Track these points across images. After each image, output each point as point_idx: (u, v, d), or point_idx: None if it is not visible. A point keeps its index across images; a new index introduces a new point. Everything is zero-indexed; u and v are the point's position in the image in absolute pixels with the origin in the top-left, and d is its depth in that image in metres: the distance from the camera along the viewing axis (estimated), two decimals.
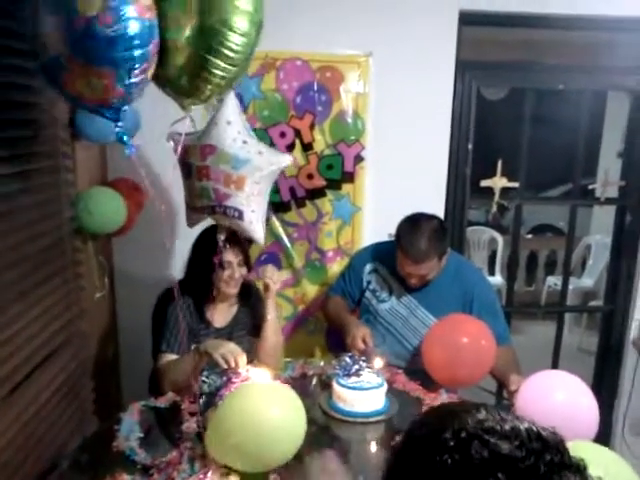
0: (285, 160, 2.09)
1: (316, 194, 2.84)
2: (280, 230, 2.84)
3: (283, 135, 2.75)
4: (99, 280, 2.61)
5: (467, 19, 2.75)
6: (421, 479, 0.70)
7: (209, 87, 1.52)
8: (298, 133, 2.76)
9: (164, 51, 1.45)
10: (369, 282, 2.47)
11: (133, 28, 1.30)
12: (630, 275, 3.14)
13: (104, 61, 1.32)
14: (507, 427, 0.70)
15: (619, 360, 3.22)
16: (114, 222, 2.36)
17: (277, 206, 2.82)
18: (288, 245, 2.87)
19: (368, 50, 2.70)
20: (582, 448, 1.37)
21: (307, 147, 2.77)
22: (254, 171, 1.99)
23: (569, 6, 2.73)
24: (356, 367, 2.03)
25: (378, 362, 2.10)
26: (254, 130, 2.62)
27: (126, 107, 1.48)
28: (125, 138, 1.53)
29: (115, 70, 1.34)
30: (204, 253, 2.18)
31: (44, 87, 1.96)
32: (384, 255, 2.44)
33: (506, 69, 2.99)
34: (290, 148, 2.75)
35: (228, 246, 2.16)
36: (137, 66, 1.36)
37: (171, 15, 1.42)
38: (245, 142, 2.00)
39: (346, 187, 2.83)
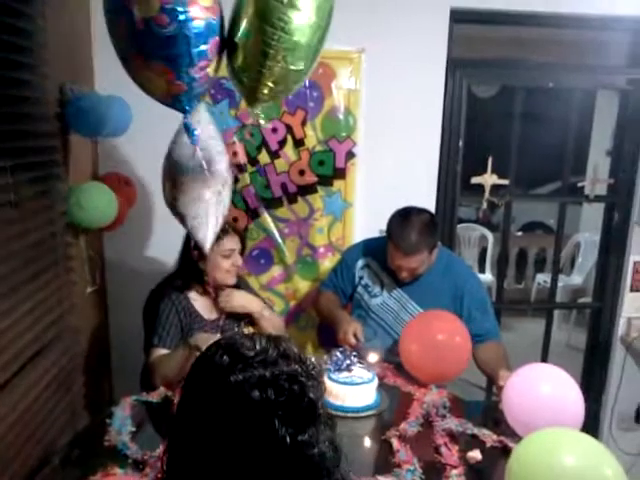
0: (220, 175, 1.98)
1: (307, 190, 2.84)
2: (271, 226, 2.85)
3: (275, 131, 2.75)
4: (90, 275, 2.60)
5: (458, 17, 2.76)
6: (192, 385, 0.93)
7: (267, 85, 1.59)
8: (290, 129, 2.76)
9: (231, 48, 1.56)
10: (361, 277, 2.48)
11: (189, 28, 1.40)
12: (618, 272, 3.17)
13: (161, 58, 1.45)
14: (247, 342, 0.93)
15: (607, 356, 3.25)
16: (105, 216, 2.35)
17: (268, 202, 2.82)
18: (279, 241, 2.87)
19: (360, 47, 2.70)
20: (566, 435, 1.40)
21: (299, 143, 2.78)
22: (194, 178, 1.93)
23: (559, 4, 2.75)
24: (347, 362, 2.05)
25: (373, 357, 2.12)
26: (244, 126, 2.66)
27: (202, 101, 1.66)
28: (191, 128, 1.66)
29: (172, 67, 1.45)
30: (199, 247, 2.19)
31: (34, 81, 1.98)
32: (376, 251, 2.45)
33: (496, 67, 3.01)
34: (282, 144, 2.76)
35: (225, 235, 2.18)
36: (195, 63, 1.46)
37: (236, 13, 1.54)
38: (193, 155, 1.94)
39: (337, 183, 2.84)
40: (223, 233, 2.15)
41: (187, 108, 1.61)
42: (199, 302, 2.28)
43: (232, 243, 2.23)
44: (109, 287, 2.87)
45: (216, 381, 0.89)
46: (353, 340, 2.23)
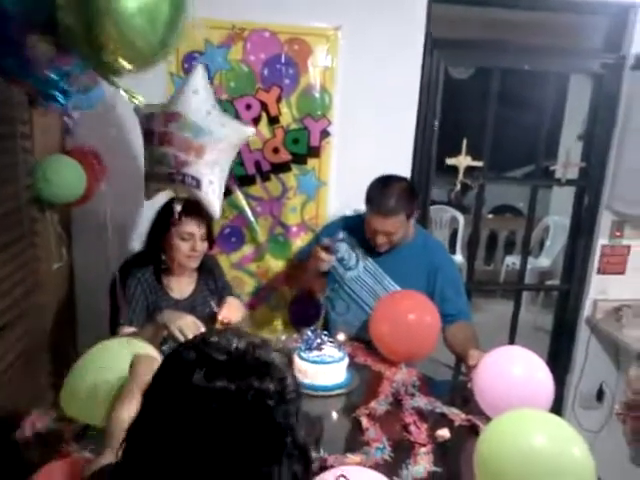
0: (247, 132, 2.06)
1: (281, 168, 2.81)
2: (244, 204, 2.81)
3: (249, 107, 2.71)
4: (57, 251, 2.54)
5: None
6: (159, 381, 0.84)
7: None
8: (264, 106, 2.72)
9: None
10: (337, 251, 2.45)
11: None
12: (586, 255, 3.22)
13: None
14: (223, 341, 0.83)
15: (572, 337, 3.32)
16: (73, 192, 2.29)
17: (242, 179, 2.79)
18: (252, 219, 2.84)
19: (337, 23, 2.66)
20: (534, 415, 1.42)
21: (273, 120, 2.74)
22: (215, 141, 1.96)
23: None
24: (318, 341, 2.05)
25: (341, 336, 2.12)
26: (220, 101, 2.59)
27: None
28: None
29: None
30: (164, 224, 2.15)
31: None
32: (352, 226, 2.47)
33: (474, 48, 3.00)
34: (256, 121, 2.71)
35: (187, 217, 2.12)
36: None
37: None
38: (209, 112, 1.98)
39: (312, 162, 2.82)
40: (185, 214, 2.10)
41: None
42: (167, 281, 2.24)
43: (192, 227, 2.13)
44: (76, 264, 2.82)
45: (178, 378, 0.79)
46: (323, 251, 2.29)
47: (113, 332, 2.14)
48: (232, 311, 2.15)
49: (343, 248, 2.46)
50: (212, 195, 2.05)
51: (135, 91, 1.67)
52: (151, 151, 2.07)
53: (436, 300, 2.28)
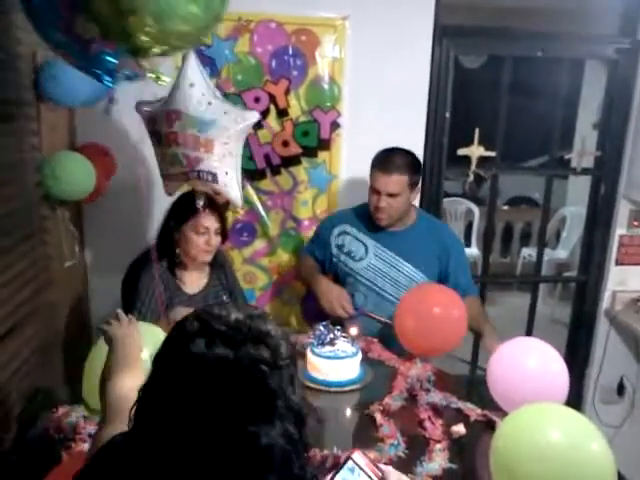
0: (251, 116, 2.03)
1: (291, 162, 2.78)
2: (255, 198, 2.79)
3: (257, 100, 2.68)
4: (69, 248, 2.54)
5: None
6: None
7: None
8: (273, 98, 2.69)
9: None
10: (341, 245, 2.44)
11: None
12: (604, 246, 3.16)
13: None
14: (223, 312, 0.89)
15: (591, 330, 3.26)
16: (83, 188, 2.28)
17: (252, 174, 2.76)
18: (263, 214, 2.82)
19: (344, 13, 2.63)
20: (551, 410, 1.38)
21: (282, 113, 2.71)
22: (222, 132, 1.94)
23: None
24: (330, 336, 2.02)
25: (353, 330, 2.09)
26: (227, 95, 2.57)
27: None
28: None
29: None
30: (179, 218, 2.15)
31: (6, 46, 1.90)
32: (351, 217, 2.47)
33: (484, 35, 2.94)
34: (265, 114, 2.68)
35: (207, 212, 2.14)
36: None
37: None
38: (210, 103, 1.94)
39: (322, 155, 2.79)
40: (201, 208, 2.11)
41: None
42: (180, 276, 2.25)
43: (208, 221, 2.16)
44: (89, 261, 2.82)
45: (179, 346, 0.87)
46: (343, 312, 2.24)
47: None
48: None
49: (347, 240, 2.44)
50: (230, 185, 2.04)
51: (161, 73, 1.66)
52: (161, 152, 2.06)
53: (450, 278, 2.35)
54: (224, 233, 2.26)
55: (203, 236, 2.17)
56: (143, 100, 2.01)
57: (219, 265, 2.35)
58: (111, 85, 1.50)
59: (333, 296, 2.30)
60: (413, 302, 2.13)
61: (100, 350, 1.57)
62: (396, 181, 2.25)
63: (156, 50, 1.42)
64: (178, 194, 2.21)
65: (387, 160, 2.27)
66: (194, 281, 2.28)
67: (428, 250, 2.38)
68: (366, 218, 2.40)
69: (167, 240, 2.20)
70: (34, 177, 2.10)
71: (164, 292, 2.17)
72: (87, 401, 1.60)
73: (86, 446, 1.49)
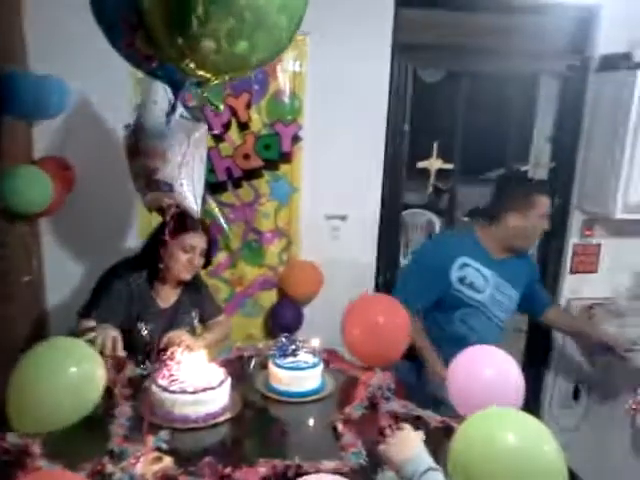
0: (198, 127, 2.06)
1: (253, 174, 2.80)
2: (216, 211, 2.80)
3: (218, 114, 2.69)
4: (27, 263, 2.50)
5: (403, 1, 2.75)
6: None
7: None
8: (234, 112, 2.71)
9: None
10: (463, 278, 2.39)
11: None
12: (558, 255, 3.25)
13: None
14: None
15: (548, 337, 3.34)
16: (40, 202, 2.26)
17: (213, 186, 2.77)
18: (225, 226, 2.83)
19: (305, 29, 2.64)
20: (506, 414, 1.42)
21: (243, 126, 2.73)
22: (175, 143, 1.97)
23: None
24: (292, 347, 2.03)
25: (315, 341, 2.11)
26: (188, 108, 2.57)
27: None
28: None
29: None
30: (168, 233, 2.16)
31: None
32: (467, 247, 2.44)
33: (441, 51, 3.02)
34: (226, 127, 2.70)
35: (192, 231, 2.19)
36: None
37: None
38: (167, 116, 1.97)
39: (283, 167, 2.81)
40: (191, 228, 2.17)
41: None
42: (157, 288, 2.27)
43: (195, 240, 2.21)
44: (48, 275, 2.77)
45: None
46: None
47: (80, 316, 2.16)
48: (194, 343, 2.10)
49: (469, 272, 2.39)
50: (186, 196, 2.06)
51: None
52: (131, 167, 2.08)
53: (530, 293, 2.58)
54: (208, 257, 2.31)
55: (188, 254, 2.20)
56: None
57: (195, 288, 2.37)
58: (174, 93, 1.50)
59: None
60: (358, 312, 2.17)
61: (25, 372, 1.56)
62: (548, 202, 2.41)
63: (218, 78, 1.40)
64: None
65: (541, 184, 2.49)
66: (168, 295, 2.30)
67: (523, 273, 2.53)
68: (479, 248, 2.44)
69: (152, 252, 2.20)
70: None
71: (137, 302, 2.20)
72: (16, 424, 1.54)
73: (42, 463, 1.46)
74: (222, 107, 1.72)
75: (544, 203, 2.37)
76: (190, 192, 2.06)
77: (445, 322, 2.44)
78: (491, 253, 2.44)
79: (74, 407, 1.57)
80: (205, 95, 1.62)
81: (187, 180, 2.02)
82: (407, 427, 1.42)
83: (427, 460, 1.33)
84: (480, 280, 2.40)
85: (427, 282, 2.41)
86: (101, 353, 1.84)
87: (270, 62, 1.36)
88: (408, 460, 1.32)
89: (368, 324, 2.11)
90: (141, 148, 1.97)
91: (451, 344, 2.30)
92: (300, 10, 1.28)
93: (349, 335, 2.15)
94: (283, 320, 2.89)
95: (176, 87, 1.49)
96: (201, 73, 1.32)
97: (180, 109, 2.04)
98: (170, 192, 2.01)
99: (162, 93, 1.99)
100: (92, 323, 2.10)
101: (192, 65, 1.27)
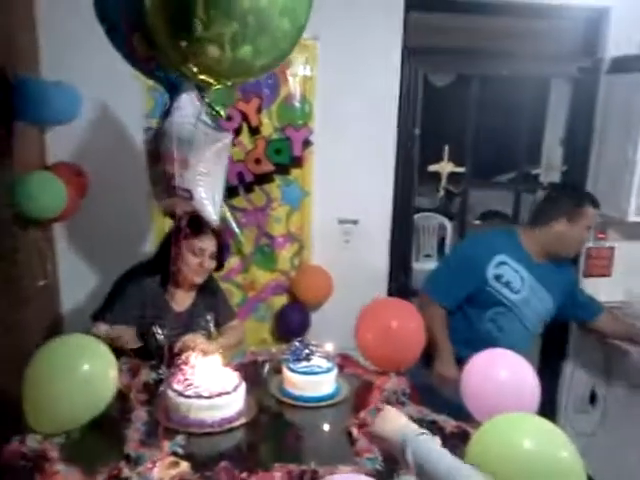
0: (223, 137, 2.06)
1: (264, 179, 2.81)
2: (228, 215, 2.80)
3: (229, 118, 2.70)
4: (41, 267, 2.51)
5: (413, 4, 2.76)
6: None
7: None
8: (245, 116, 2.72)
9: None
10: (500, 276, 2.40)
11: None
12: (573, 258, 3.22)
13: None
14: None
15: (564, 340, 3.32)
16: (53, 207, 2.27)
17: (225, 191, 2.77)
18: (237, 231, 2.83)
19: (315, 34, 2.67)
20: (523, 419, 1.41)
21: (254, 131, 2.74)
22: (197, 151, 1.97)
23: None
24: (306, 352, 2.03)
25: (329, 346, 2.11)
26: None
27: None
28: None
29: None
30: (179, 236, 2.16)
31: None
32: (506, 247, 2.45)
33: (451, 55, 3.01)
34: (237, 132, 2.71)
35: (202, 234, 2.19)
36: None
37: None
38: (193, 125, 1.98)
39: (295, 172, 2.82)
40: (201, 230, 2.17)
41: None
42: (171, 292, 2.27)
43: (205, 243, 2.21)
44: (62, 280, 2.79)
45: None
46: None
47: (94, 321, 2.18)
48: (209, 347, 2.09)
49: (506, 270, 2.41)
50: (206, 204, 2.06)
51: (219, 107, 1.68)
52: (150, 171, 2.09)
53: (573, 301, 2.60)
54: (220, 260, 2.31)
55: (198, 257, 2.21)
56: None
57: (211, 292, 2.37)
58: (171, 94, 1.51)
59: (446, 377, 2.31)
60: (371, 316, 2.17)
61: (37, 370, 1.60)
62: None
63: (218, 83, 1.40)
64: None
65: (593, 197, 2.45)
66: (183, 299, 2.30)
67: (562, 281, 2.52)
68: (520, 249, 2.44)
69: (165, 256, 2.20)
70: (6, 197, 2.08)
71: (152, 306, 2.20)
72: (34, 426, 1.59)
73: (60, 467, 1.47)
74: (223, 113, 1.72)
75: (592, 215, 2.41)
76: (209, 200, 2.06)
77: (476, 319, 2.44)
78: (532, 256, 2.44)
79: (87, 405, 1.61)
80: (207, 100, 1.61)
81: (207, 188, 2.02)
82: (389, 407, 1.45)
83: (414, 427, 1.33)
84: (517, 281, 2.41)
85: (462, 276, 2.44)
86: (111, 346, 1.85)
87: (273, 68, 1.36)
88: (395, 430, 1.33)
89: (381, 328, 2.10)
90: (162, 153, 1.97)
91: (478, 343, 2.32)
92: (303, 13, 1.28)
93: (362, 339, 2.15)
94: (290, 324, 2.90)
95: (173, 90, 1.50)
96: (203, 78, 1.33)
97: (201, 115, 2.05)
98: (189, 199, 2.01)
99: (188, 99, 2.00)
100: (106, 327, 2.12)
101: (194, 69, 1.27)
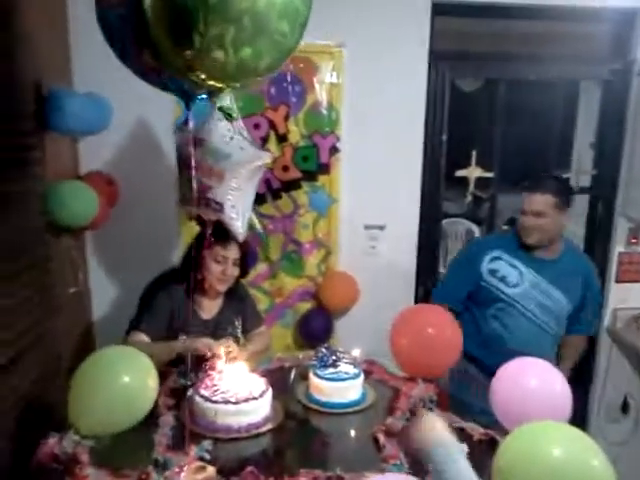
0: (263, 157, 2.09)
1: (292, 186, 2.82)
2: (256, 222, 2.82)
3: (257, 127, 2.72)
4: (73, 275, 2.56)
5: (440, 9, 2.75)
6: None
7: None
8: (272, 124, 2.74)
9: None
10: (495, 270, 2.44)
11: None
12: (603, 264, 3.17)
13: None
14: None
15: (594, 348, 3.26)
16: (85, 216, 2.32)
17: None
18: (264, 237, 2.85)
19: (341, 41, 2.69)
20: (552, 427, 1.39)
21: (282, 138, 2.76)
22: (234, 166, 2.00)
23: None
24: (333, 358, 2.03)
25: (355, 352, 2.11)
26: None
27: None
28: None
29: None
30: (202, 244, 2.19)
31: (9, 77, 1.95)
32: (502, 243, 2.51)
33: (479, 60, 3.00)
34: (265, 140, 2.73)
35: (225, 241, 2.19)
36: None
37: None
38: (232, 138, 2.01)
39: (322, 179, 2.83)
40: (224, 239, 2.17)
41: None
42: (199, 300, 2.29)
43: (228, 251, 2.21)
44: (93, 287, 2.84)
45: None
46: None
47: (128, 333, 2.19)
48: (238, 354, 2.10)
49: (501, 265, 2.44)
50: (235, 218, 2.10)
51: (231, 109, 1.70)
52: (182, 177, 2.12)
53: (580, 310, 2.49)
54: (244, 266, 2.31)
55: (220, 265, 2.21)
56: (181, 125, 2.08)
57: (239, 298, 2.39)
58: (186, 105, 1.53)
59: None
60: (407, 322, 2.16)
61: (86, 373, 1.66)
62: (540, 200, 2.35)
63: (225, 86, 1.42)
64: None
65: (533, 181, 2.43)
66: (210, 307, 2.32)
67: (575, 279, 2.47)
68: (518, 244, 2.44)
69: (188, 264, 2.23)
70: (38, 206, 2.13)
71: (179, 314, 2.22)
72: (76, 425, 1.62)
73: (90, 471, 1.50)
74: (235, 115, 1.73)
75: (527, 199, 2.39)
76: (239, 215, 2.09)
77: (480, 318, 2.47)
78: (534, 251, 2.42)
79: (127, 415, 1.64)
80: (218, 105, 1.62)
81: (238, 203, 2.05)
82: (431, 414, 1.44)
83: (458, 445, 1.34)
84: (514, 275, 2.42)
85: (458, 274, 2.56)
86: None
87: (278, 68, 1.38)
88: (439, 443, 1.32)
89: (417, 334, 2.09)
90: (197, 162, 2.00)
91: (489, 343, 2.42)
92: (302, 15, 1.29)
93: (397, 344, 2.14)
94: (313, 330, 2.91)
95: (188, 99, 1.52)
96: (212, 83, 1.35)
97: (243, 130, 2.08)
98: (220, 212, 2.04)
99: (236, 112, 2.03)
100: (143, 336, 2.14)
101: (202, 76, 1.30)
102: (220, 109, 1.66)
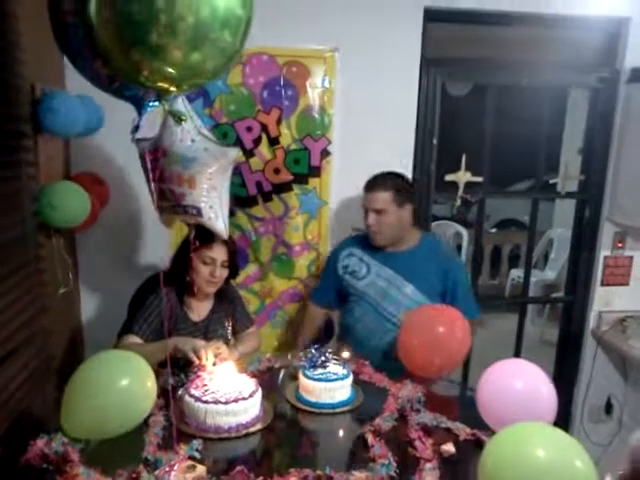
0: (231, 153, 2.07)
1: (283, 188, 2.85)
2: (246, 224, 2.84)
3: (250, 129, 2.75)
4: (63, 275, 2.57)
5: (432, 16, 2.79)
6: None
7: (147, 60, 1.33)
8: (265, 127, 2.76)
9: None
10: (346, 266, 2.57)
11: None
12: (589, 267, 3.22)
13: None
14: None
15: (578, 350, 3.31)
16: (77, 216, 2.32)
17: (243, 201, 2.82)
18: (254, 239, 2.87)
19: (334, 45, 2.71)
20: (537, 428, 1.42)
21: (274, 141, 2.78)
22: (203, 168, 1.97)
23: (530, 4, 2.80)
24: (322, 359, 2.05)
25: (345, 353, 2.13)
26: (218, 125, 2.65)
27: None
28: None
29: None
30: (190, 246, 2.19)
31: (8, 81, 1.96)
32: (356, 241, 2.62)
33: (470, 65, 3.03)
34: (257, 142, 2.76)
35: (212, 243, 2.18)
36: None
37: None
38: (193, 140, 1.98)
39: (313, 181, 2.85)
40: (210, 240, 2.16)
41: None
42: (188, 302, 2.30)
43: (216, 253, 2.21)
44: (82, 287, 2.85)
45: None
46: None
47: (120, 337, 2.20)
48: (228, 354, 2.13)
49: (352, 261, 2.56)
50: (215, 219, 2.07)
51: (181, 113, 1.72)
52: (152, 187, 2.10)
53: (447, 299, 2.45)
54: (233, 268, 2.31)
55: (209, 267, 2.21)
56: (142, 137, 2.06)
57: (229, 300, 2.41)
58: (139, 111, 1.56)
59: None
60: (418, 321, 2.20)
61: (80, 378, 1.68)
62: (379, 198, 2.41)
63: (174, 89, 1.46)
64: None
65: (372, 180, 2.47)
66: (200, 308, 2.33)
67: (429, 271, 2.47)
68: (368, 240, 2.52)
69: (179, 266, 2.24)
70: (31, 206, 2.14)
71: (171, 317, 2.22)
72: (66, 430, 1.65)
73: (81, 470, 1.51)
74: (185, 117, 1.73)
75: (368, 199, 2.46)
76: (219, 214, 2.07)
77: (344, 313, 2.62)
78: (386, 247, 2.51)
79: (124, 420, 1.67)
80: (168, 109, 1.63)
81: (214, 202, 2.03)
82: None
83: None
84: (363, 269, 2.54)
85: (325, 275, 2.72)
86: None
87: (226, 69, 1.46)
88: None
89: (427, 335, 2.13)
90: (165, 171, 1.98)
91: (345, 338, 2.58)
92: (242, 26, 1.36)
93: (406, 343, 2.19)
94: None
95: (139, 106, 1.55)
96: (160, 84, 1.40)
97: (202, 129, 2.05)
98: (199, 216, 2.03)
99: (185, 113, 2.00)
100: (136, 339, 2.15)
101: (151, 78, 1.36)
102: (170, 113, 1.67)
